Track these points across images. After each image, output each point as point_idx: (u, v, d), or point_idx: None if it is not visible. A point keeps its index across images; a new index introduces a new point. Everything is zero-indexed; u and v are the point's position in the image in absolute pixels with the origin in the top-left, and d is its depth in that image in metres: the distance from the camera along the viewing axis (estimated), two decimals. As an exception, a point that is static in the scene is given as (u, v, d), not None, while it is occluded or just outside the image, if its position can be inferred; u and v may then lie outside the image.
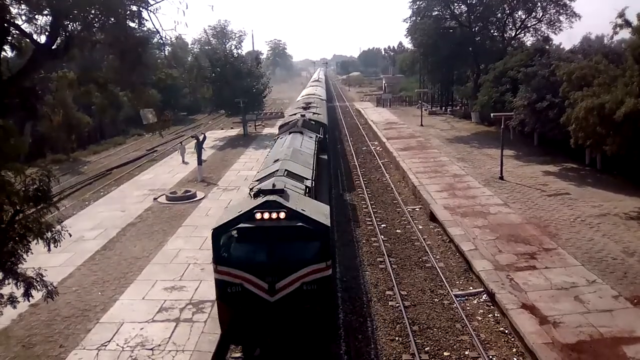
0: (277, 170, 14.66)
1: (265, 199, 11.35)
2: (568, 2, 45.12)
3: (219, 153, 39.91)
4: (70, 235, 9.61)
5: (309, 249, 11.05)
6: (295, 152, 17.81)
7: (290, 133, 22.29)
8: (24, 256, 8.68)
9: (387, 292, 15.40)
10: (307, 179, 14.67)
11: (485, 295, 14.72)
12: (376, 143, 42.02)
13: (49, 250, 8.88)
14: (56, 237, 8.84)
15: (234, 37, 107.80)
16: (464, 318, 13.60)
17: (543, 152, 32.20)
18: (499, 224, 19.47)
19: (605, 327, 12.04)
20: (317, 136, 22.96)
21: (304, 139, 21.35)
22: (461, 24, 50.36)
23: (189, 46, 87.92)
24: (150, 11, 10.14)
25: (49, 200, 8.68)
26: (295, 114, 30.53)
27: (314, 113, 30.46)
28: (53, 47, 9.92)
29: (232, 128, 53.81)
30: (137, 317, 13.67)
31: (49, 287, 9.12)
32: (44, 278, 9.05)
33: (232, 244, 11.20)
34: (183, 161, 35.34)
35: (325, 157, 22.52)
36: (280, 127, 28.80)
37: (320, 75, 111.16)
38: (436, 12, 51.25)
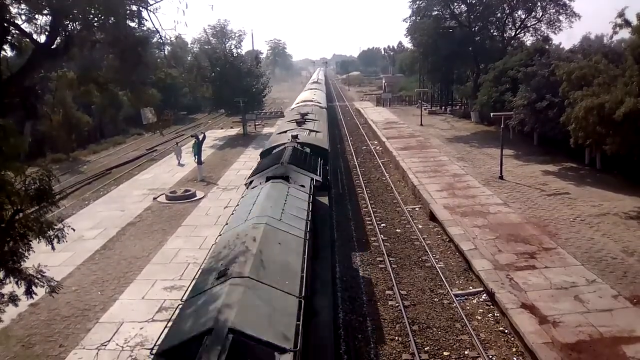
0: (211, 332, 6.38)
1: None
2: (568, 2, 45.15)
3: (218, 152, 39.93)
4: (74, 230, 9.60)
5: None
6: (266, 244, 9.36)
7: (268, 180, 13.62)
8: (26, 254, 8.69)
9: (387, 292, 15.39)
10: (283, 352, 6.38)
11: (484, 295, 14.72)
12: (376, 142, 42.02)
13: (53, 248, 8.89)
14: (59, 235, 8.85)
15: (233, 36, 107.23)
16: (464, 317, 13.60)
17: (543, 151, 32.21)
18: (498, 223, 19.47)
19: (604, 326, 12.04)
20: (312, 181, 14.67)
21: (290, 194, 12.76)
22: (461, 23, 50.35)
23: (189, 46, 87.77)
24: (150, 11, 10.11)
25: (52, 199, 8.67)
26: (284, 133, 22.35)
27: (310, 131, 23.25)
28: (53, 47, 9.91)
29: (231, 127, 53.83)
30: (137, 317, 13.67)
31: (50, 283, 9.13)
32: (44, 274, 9.05)
33: None
34: (179, 163, 34.96)
35: (326, 199, 15.68)
36: (263, 154, 20.67)
37: (319, 76, 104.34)
38: (436, 12, 51.26)
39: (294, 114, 31.59)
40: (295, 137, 19.91)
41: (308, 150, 18.59)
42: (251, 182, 15.00)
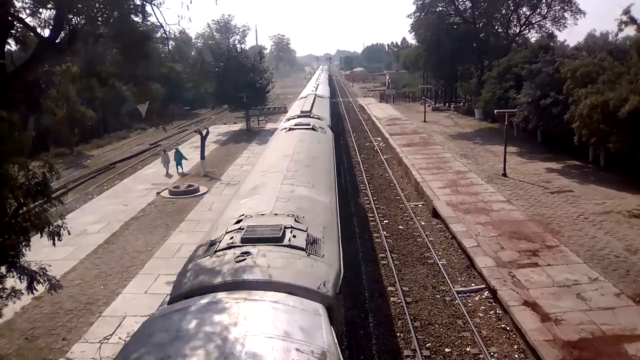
0: None
1: None
2: (573, -2, 44.94)
3: (222, 148, 39.96)
4: (69, 233, 9.51)
5: None
6: None
7: None
8: (25, 250, 8.73)
9: (389, 288, 15.41)
10: None
11: (487, 292, 14.71)
12: (379, 139, 41.94)
13: (54, 244, 8.93)
14: (57, 232, 8.87)
15: (237, 31, 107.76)
16: (466, 314, 13.60)
17: (546, 149, 32.09)
18: (501, 220, 19.44)
19: (607, 324, 12.03)
20: None
21: None
22: (465, 20, 50.14)
23: (193, 41, 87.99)
24: (154, 5, 10.06)
25: (48, 195, 8.70)
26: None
27: None
28: (57, 41, 9.88)
29: (235, 123, 53.94)
30: (140, 311, 13.71)
31: (52, 281, 9.17)
32: (46, 272, 9.10)
33: None
34: (167, 173, 30.75)
35: None
36: None
37: (319, 84, 57.16)
38: (440, 8, 50.99)
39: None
40: None
41: None
42: None
